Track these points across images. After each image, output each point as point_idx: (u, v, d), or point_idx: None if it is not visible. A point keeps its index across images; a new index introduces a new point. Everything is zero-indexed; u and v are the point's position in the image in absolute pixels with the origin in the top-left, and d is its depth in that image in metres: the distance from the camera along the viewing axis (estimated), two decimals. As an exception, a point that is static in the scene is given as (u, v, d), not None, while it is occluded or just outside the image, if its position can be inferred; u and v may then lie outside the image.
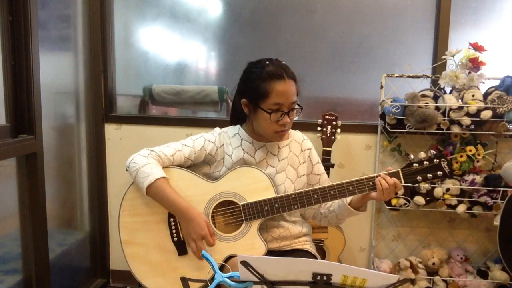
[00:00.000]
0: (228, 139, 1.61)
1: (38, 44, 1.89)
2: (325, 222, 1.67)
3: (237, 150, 1.58)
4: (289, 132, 1.65)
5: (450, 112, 2.15)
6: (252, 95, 1.50)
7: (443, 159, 1.48)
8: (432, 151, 1.51)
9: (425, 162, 1.49)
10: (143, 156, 1.52)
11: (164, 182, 1.48)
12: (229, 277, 1.02)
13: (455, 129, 2.20)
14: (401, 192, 2.25)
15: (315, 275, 0.93)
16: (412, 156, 1.52)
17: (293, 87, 1.48)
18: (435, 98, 2.24)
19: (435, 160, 1.48)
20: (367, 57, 2.48)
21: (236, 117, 1.66)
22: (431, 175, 1.48)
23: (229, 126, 1.67)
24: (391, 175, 1.48)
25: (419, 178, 1.48)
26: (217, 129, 1.65)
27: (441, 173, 1.48)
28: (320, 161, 1.68)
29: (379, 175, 1.47)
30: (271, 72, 1.46)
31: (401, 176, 1.48)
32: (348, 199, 1.56)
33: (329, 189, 1.49)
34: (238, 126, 1.64)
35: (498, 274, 2.30)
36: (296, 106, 1.51)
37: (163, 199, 1.48)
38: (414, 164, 1.49)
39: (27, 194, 1.92)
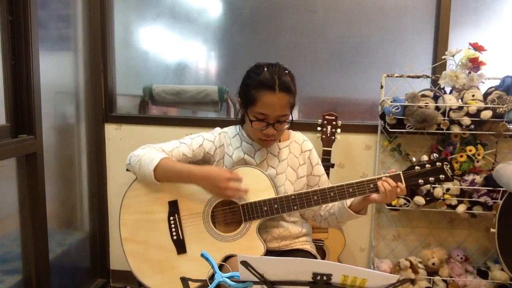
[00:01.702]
0: (229, 140, 1.61)
1: (38, 44, 1.89)
2: (325, 224, 1.66)
3: (238, 151, 1.58)
4: (289, 132, 1.65)
5: (450, 112, 2.15)
6: (243, 98, 1.50)
7: (446, 163, 1.45)
8: (434, 154, 1.48)
9: (427, 165, 1.46)
10: (141, 149, 1.54)
11: (168, 159, 1.49)
12: (229, 277, 1.02)
13: (455, 129, 2.20)
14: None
15: (315, 275, 0.93)
16: (414, 159, 1.50)
17: (284, 100, 1.44)
18: (435, 98, 2.24)
19: (437, 164, 1.45)
20: (367, 57, 2.48)
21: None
22: (433, 179, 1.45)
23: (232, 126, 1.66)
24: (392, 177, 1.46)
25: (420, 181, 1.46)
26: (218, 129, 1.65)
27: (443, 176, 1.45)
28: (320, 163, 1.67)
29: (380, 178, 1.46)
30: (263, 81, 1.43)
31: (402, 179, 1.46)
32: (349, 202, 1.54)
33: (329, 190, 1.48)
34: (238, 127, 1.64)
35: (498, 274, 2.30)
36: (287, 119, 1.48)
37: (172, 174, 1.48)
38: (416, 167, 1.46)
39: (27, 194, 1.92)
